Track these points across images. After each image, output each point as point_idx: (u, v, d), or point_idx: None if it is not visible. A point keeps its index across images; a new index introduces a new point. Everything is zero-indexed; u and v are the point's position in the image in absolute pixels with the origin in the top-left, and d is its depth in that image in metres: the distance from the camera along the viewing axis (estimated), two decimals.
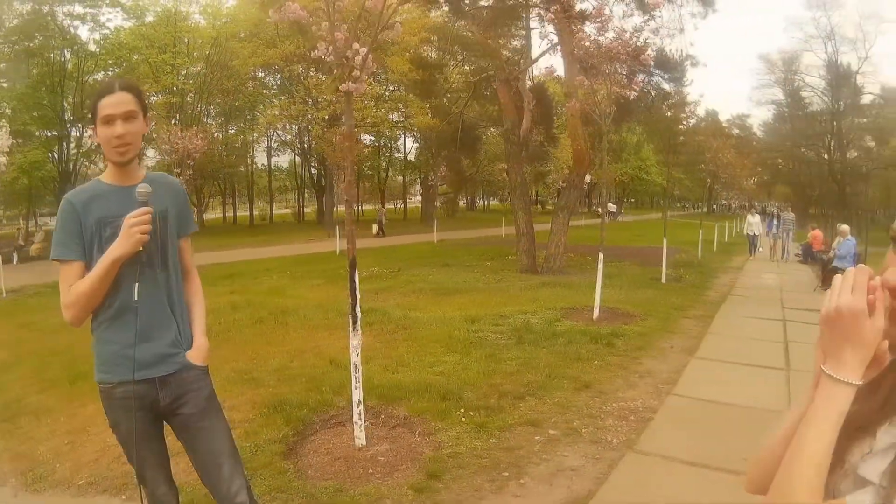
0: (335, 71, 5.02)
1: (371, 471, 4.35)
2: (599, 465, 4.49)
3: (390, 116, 41.69)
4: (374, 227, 32.50)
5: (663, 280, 13.55)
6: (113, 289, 2.35)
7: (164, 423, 2.60)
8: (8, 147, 24.85)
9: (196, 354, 2.50)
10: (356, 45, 4.44)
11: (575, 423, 5.18)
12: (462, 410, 5.39)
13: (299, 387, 6.08)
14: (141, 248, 2.27)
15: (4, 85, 32.00)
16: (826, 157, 49.10)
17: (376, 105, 36.24)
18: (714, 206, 64.34)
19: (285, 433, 4.94)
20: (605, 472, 4.37)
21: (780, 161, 53.30)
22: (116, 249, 2.26)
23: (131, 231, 2.24)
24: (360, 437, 4.66)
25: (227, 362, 7.06)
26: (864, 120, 48.43)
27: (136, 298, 2.34)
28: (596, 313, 9.39)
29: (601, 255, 9.58)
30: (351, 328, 4.54)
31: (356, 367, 4.58)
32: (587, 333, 8.17)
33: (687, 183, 56.14)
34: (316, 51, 4.73)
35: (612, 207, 50.20)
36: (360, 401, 4.61)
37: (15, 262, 22.56)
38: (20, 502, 4.26)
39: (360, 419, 4.65)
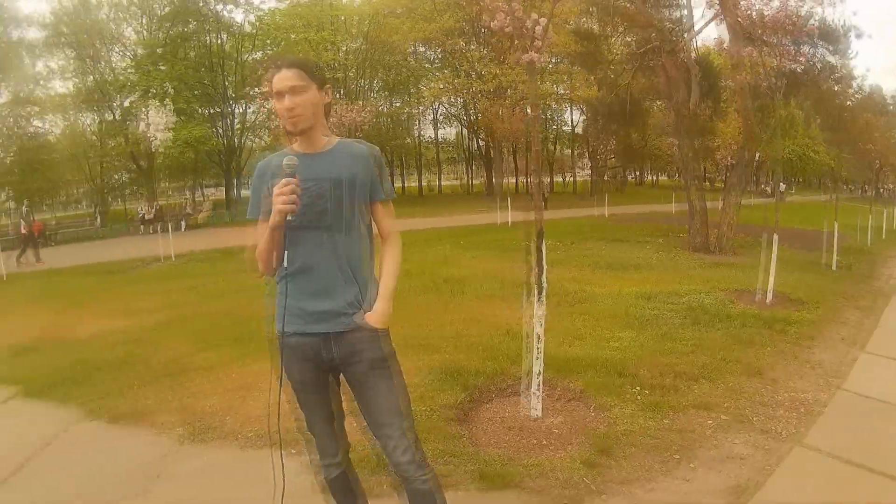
0: (515, 41, 5.09)
1: (544, 442, 4.45)
2: (768, 456, 4.46)
3: (555, 88, 41.12)
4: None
5: (833, 267, 12.94)
6: (290, 248, 2.56)
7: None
8: (171, 124, 27.02)
9: (372, 317, 2.61)
10: (535, 16, 4.57)
11: (746, 411, 5.15)
12: (637, 388, 5.46)
13: (475, 354, 6.29)
14: (288, 217, 2.44)
15: (163, 68, 34.05)
16: None
17: (540, 78, 35.99)
18: (882, 191, 59.21)
19: (460, 399, 5.13)
20: (773, 465, 4.34)
21: None
22: (271, 218, 2.48)
23: (275, 201, 2.43)
24: (535, 407, 4.77)
25: (401, 328, 7.28)
26: None
27: (284, 265, 2.57)
28: (769, 297, 9.15)
29: (775, 238, 9.30)
30: (536, 298, 4.62)
31: (538, 337, 4.67)
32: (760, 318, 7.99)
33: (854, 164, 52.21)
34: (494, 21, 4.77)
35: (782, 187, 47.66)
36: (539, 371, 4.71)
37: (183, 229, 24.09)
38: (186, 451, 4.52)
39: (538, 390, 4.75)
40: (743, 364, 6.27)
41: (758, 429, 4.89)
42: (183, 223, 25.82)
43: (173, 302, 10.25)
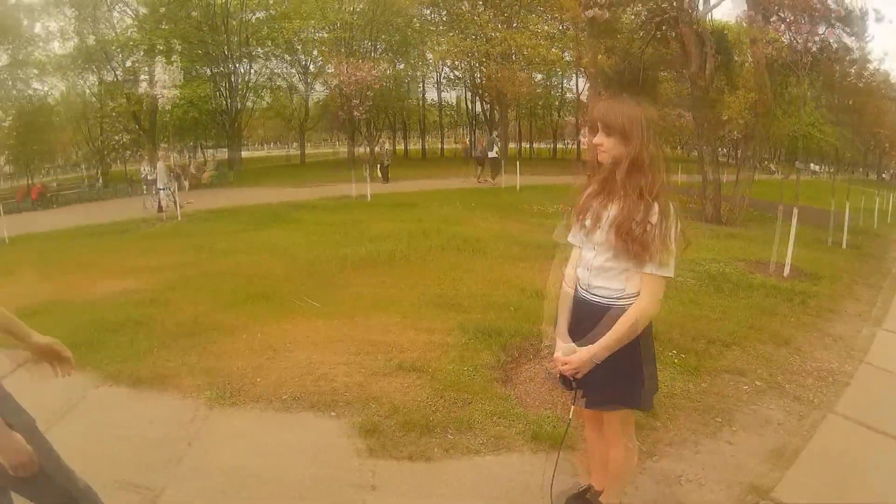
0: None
1: None
2: (803, 422, 4.54)
3: (564, 55, 40.32)
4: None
5: (843, 245, 13.03)
6: None
7: None
8: (178, 81, 26.78)
9: None
10: None
11: (778, 378, 5.25)
12: (673, 352, 5.52)
13: (507, 315, 6.29)
14: None
15: (165, 27, 33.50)
16: None
17: (549, 44, 35.57)
18: (884, 175, 59.00)
19: (501, 360, 5.14)
20: (809, 431, 4.41)
21: None
22: None
23: None
24: None
25: (430, 287, 7.38)
26: None
27: None
28: (787, 270, 9.23)
29: (795, 212, 9.40)
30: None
31: None
32: (780, 290, 8.09)
33: (860, 146, 51.95)
34: None
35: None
36: None
37: (187, 189, 24.14)
38: (217, 415, 4.28)
39: None
40: (769, 333, 6.36)
41: (791, 395, 4.98)
42: (186, 183, 25.70)
43: (183, 261, 9.90)
